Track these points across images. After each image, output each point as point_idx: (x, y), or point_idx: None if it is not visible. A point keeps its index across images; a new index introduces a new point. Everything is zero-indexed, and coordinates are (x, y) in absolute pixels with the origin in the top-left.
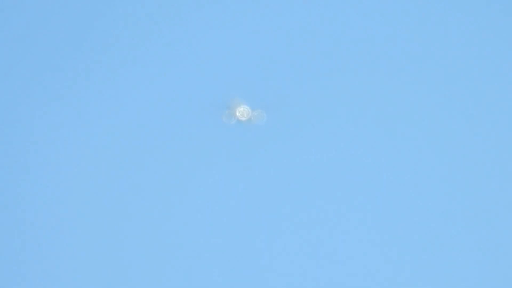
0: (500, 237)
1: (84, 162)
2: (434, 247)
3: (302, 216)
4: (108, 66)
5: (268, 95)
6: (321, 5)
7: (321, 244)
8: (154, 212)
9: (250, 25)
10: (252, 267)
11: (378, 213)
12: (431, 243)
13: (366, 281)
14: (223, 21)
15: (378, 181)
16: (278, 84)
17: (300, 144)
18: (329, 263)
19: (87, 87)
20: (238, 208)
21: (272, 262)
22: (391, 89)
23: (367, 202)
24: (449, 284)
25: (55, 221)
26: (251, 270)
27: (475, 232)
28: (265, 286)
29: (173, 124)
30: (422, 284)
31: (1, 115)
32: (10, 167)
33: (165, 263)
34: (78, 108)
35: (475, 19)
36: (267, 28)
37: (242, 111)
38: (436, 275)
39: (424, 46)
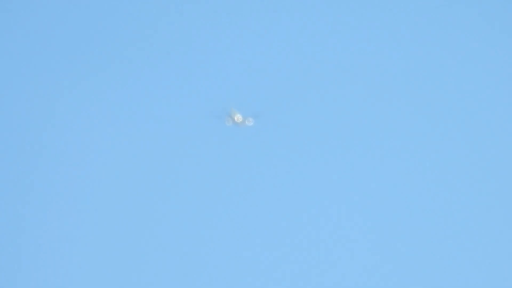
0: (498, 239)
1: (92, 164)
2: (433, 250)
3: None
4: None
5: (255, 108)
6: (303, 30)
7: (310, 238)
8: (167, 201)
9: (246, 56)
10: (249, 263)
11: (359, 210)
12: (430, 247)
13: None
14: (227, 50)
15: (356, 178)
16: (262, 100)
17: (277, 140)
18: (319, 258)
19: (98, 96)
20: (232, 180)
21: (266, 257)
22: (370, 99)
23: (348, 195)
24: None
25: (60, 222)
26: (251, 268)
27: (472, 236)
28: (252, 281)
29: (190, 125)
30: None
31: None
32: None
33: (162, 260)
34: (86, 112)
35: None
36: (257, 60)
37: (238, 117)
38: (436, 276)
39: (401, 63)
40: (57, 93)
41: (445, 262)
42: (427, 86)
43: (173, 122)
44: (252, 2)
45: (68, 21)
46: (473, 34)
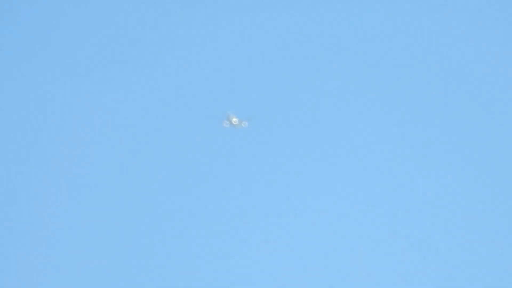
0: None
1: (90, 164)
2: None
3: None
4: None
5: (249, 112)
6: (294, 35)
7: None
8: (171, 196)
9: (244, 62)
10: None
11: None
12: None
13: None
14: (227, 56)
15: (344, 178)
16: (256, 106)
17: (271, 140)
18: (314, 258)
19: (96, 97)
20: (231, 170)
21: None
22: (364, 101)
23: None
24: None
25: (60, 221)
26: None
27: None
28: (247, 280)
29: (192, 126)
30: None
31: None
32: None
33: (157, 260)
34: (83, 112)
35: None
36: (254, 66)
37: (235, 120)
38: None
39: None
40: (55, 93)
41: (445, 262)
42: (423, 87)
43: (174, 123)
44: (250, 9)
45: (66, 21)
46: (472, 34)
